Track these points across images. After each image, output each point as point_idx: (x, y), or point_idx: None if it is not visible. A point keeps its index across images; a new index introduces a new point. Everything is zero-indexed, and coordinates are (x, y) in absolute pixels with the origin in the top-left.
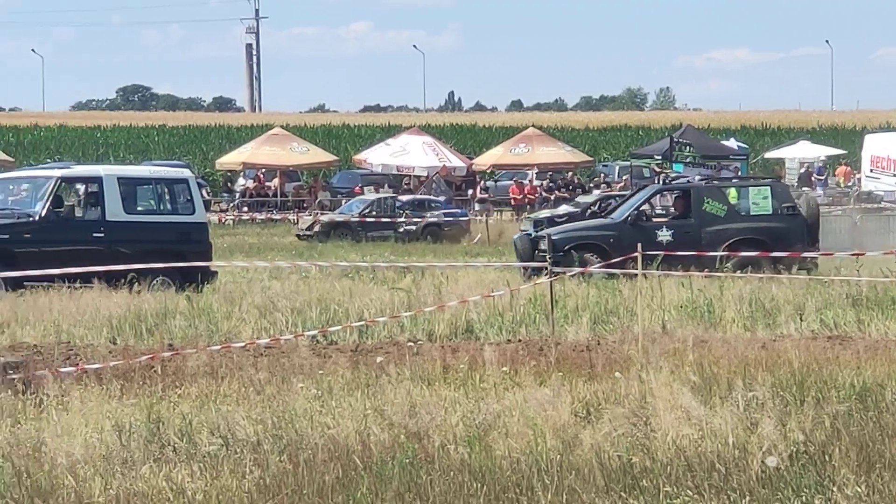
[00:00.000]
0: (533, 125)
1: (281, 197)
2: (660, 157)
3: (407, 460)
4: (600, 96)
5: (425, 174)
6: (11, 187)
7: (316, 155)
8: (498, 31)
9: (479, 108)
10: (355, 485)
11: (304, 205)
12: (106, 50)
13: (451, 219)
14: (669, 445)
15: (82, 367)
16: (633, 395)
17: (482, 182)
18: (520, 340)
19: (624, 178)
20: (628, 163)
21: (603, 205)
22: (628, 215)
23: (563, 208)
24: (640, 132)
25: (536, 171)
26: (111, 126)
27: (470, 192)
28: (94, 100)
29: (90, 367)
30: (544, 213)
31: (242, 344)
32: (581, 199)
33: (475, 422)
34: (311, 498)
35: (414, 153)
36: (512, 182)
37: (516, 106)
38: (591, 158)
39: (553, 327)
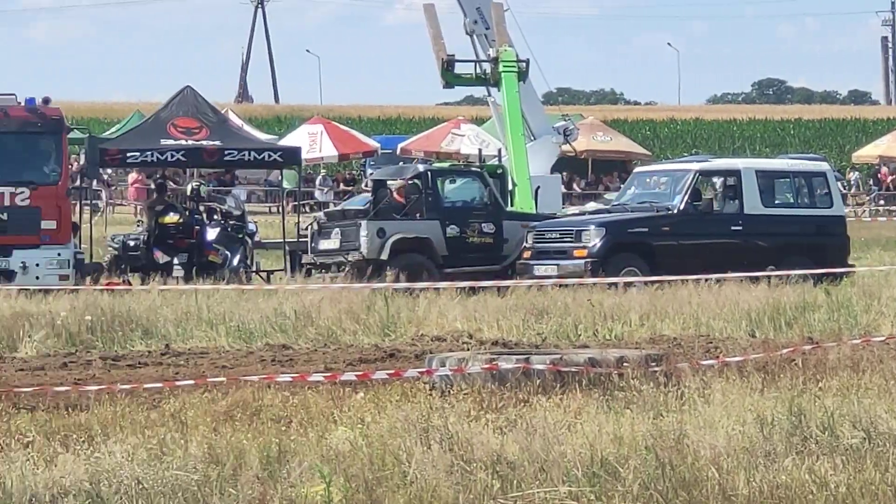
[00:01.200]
0: None
1: None
2: None
3: None
4: None
5: None
6: (649, 181)
7: None
8: None
9: None
10: None
11: None
12: (740, 43)
13: None
14: None
15: (723, 359)
16: None
17: None
18: None
19: None
20: None
21: None
22: None
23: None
24: None
25: None
26: (746, 119)
27: None
28: (729, 93)
29: (730, 359)
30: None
31: (882, 337)
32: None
33: None
34: None
35: None
36: None
37: None
38: None
39: None
